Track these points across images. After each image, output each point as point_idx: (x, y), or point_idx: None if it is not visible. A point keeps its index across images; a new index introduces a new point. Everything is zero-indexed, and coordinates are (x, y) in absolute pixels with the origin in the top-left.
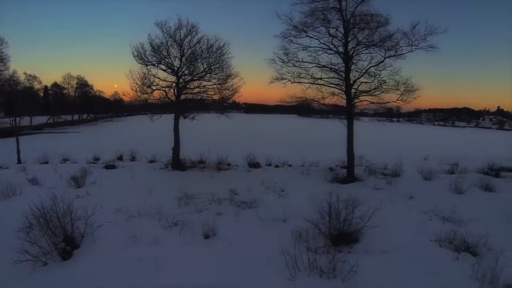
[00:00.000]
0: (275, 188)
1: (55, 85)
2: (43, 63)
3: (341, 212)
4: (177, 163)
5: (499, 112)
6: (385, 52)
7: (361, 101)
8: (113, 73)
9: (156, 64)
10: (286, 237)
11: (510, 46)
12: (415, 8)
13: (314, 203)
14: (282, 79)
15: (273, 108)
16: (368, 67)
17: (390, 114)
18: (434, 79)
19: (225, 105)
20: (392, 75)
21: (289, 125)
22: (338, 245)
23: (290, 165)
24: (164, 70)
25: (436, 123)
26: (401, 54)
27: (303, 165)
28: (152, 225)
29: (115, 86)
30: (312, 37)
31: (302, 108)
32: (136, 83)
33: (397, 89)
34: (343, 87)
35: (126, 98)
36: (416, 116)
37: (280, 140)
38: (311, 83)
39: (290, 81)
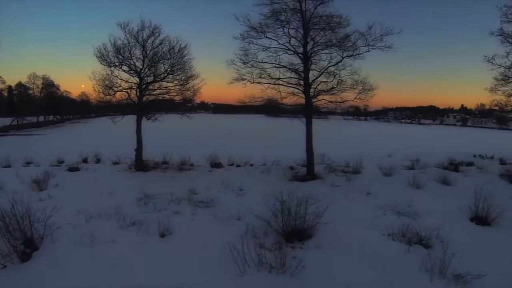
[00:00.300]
0: (234, 187)
1: (19, 85)
2: (8, 62)
3: (294, 209)
4: (140, 164)
5: (463, 110)
6: (343, 52)
7: (320, 100)
8: (81, 73)
9: (119, 65)
10: (239, 234)
11: (473, 47)
12: (376, 8)
13: (270, 201)
14: (242, 79)
15: (242, 108)
16: (327, 66)
17: (357, 113)
18: (401, 78)
19: (194, 106)
20: (351, 74)
21: (255, 125)
22: (291, 241)
23: (251, 165)
24: (127, 71)
25: (402, 121)
26: (359, 54)
27: (265, 164)
28: (110, 226)
29: (83, 86)
30: (271, 38)
31: (269, 108)
32: (99, 84)
33: (355, 88)
34: (302, 87)
35: (92, 99)
36: (383, 114)
37: (244, 140)
38: (271, 84)
39: (250, 81)
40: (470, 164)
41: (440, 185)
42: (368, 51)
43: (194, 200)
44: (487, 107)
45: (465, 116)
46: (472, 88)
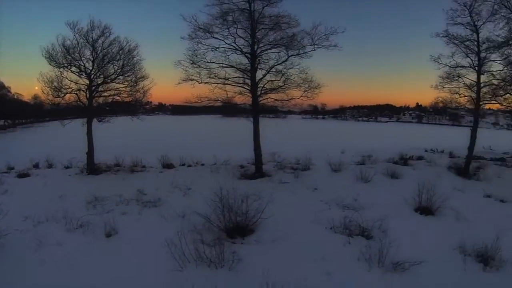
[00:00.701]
0: (182, 187)
1: None
2: None
3: (236, 206)
4: (91, 168)
5: (418, 107)
6: (288, 51)
7: (266, 98)
8: (35, 74)
9: (68, 66)
10: (182, 232)
11: (427, 46)
12: (328, 8)
13: (213, 200)
14: (191, 80)
15: (200, 109)
16: (273, 65)
17: (315, 112)
18: (359, 78)
19: (152, 107)
20: (300, 73)
21: (210, 126)
22: (233, 237)
23: (202, 164)
24: (76, 73)
25: (360, 119)
26: (305, 53)
27: (215, 164)
28: (58, 229)
29: (36, 88)
30: (218, 38)
31: (226, 109)
32: (47, 86)
33: (301, 86)
34: (248, 86)
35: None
36: (341, 113)
37: (197, 140)
38: (218, 84)
39: (198, 81)
40: (420, 158)
41: (388, 179)
42: (314, 50)
43: (142, 200)
44: (435, 104)
45: (420, 113)
46: (427, 87)
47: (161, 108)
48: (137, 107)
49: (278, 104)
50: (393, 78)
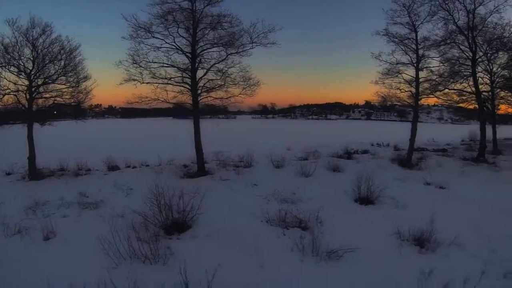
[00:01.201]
0: (124, 188)
1: None
2: None
3: (174, 203)
4: (33, 173)
5: (367, 105)
6: (227, 49)
7: (206, 97)
8: None
9: (6, 66)
10: (117, 230)
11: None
12: (274, 7)
13: (153, 198)
14: (133, 80)
15: (151, 111)
16: (212, 64)
17: (265, 111)
18: (309, 77)
19: (102, 110)
20: (241, 71)
21: (160, 128)
22: (172, 233)
23: (147, 165)
24: (15, 73)
25: (309, 117)
26: (244, 51)
27: (160, 164)
28: None
29: None
30: (158, 38)
31: (177, 110)
32: None
33: (240, 84)
34: (189, 85)
35: None
36: (290, 112)
37: (145, 142)
38: (160, 83)
39: (140, 82)
40: (365, 152)
41: (330, 172)
42: (252, 48)
43: (83, 202)
44: (375, 99)
45: (369, 110)
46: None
47: (111, 111)
48: (83, 110)
49: (218, 102)
50: (343, 77)
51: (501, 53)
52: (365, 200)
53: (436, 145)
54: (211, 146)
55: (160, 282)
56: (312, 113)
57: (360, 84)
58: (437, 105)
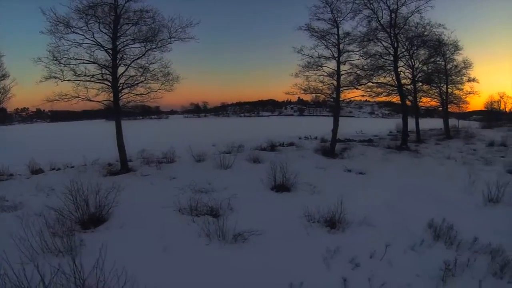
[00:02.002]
0: (46, 189)
1: None
2: None
3: (92, 198)
4: None
5: (300, 101)
6: (146, 45)
7: (128, 93)
8: None
9: None
10: (34, 227)
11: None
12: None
13: (71, 195)
14: (54, 77)
15: (83, 114)
16: (133, 60)
17: (197, 110)
18: (240, 75)
19: (29, 114)
20: (162, 68)
21: (89, 130)
22: (88, 227)
23: (72, 167)
24: None
25: (242, 114)
26: (163, 46)
27: (85, 164)
28: None
29: None
30: (78, 33)
31: (109, 112)
32: None
33: (159, 80)
34: (110, 82)
35: None
36: (223, 110)
37: (72, 144)
38: (81, 81)
39: (60, 79)
40: (291, 144)
41: (250, 163)
42: (171, 43)
43: (2, 206)
44: (291, 91)
45: (302, 107)
46: (296, 78)
47: (40, 115)
48: (8, 115)
49: (138, 99)
50: (276, 74)
51: (421, 50)
52: (281, 187)
53: (363, 137)
54: (139, 145)
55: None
56: (245, 110)
57: (293, 81)
58: (368, 101)
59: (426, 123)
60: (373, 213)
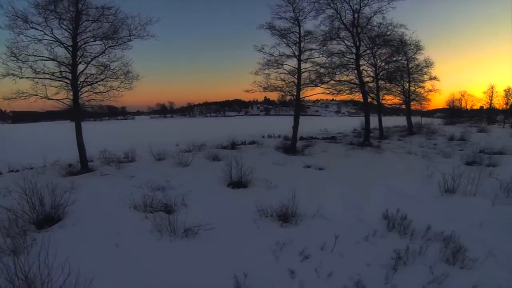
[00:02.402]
0: (2, 191)
1: None
2: None
3: (47, 199)
4: None
5: (266, 101)
6: (105, 42)
7: (87, 91)
8: None
9: None
10: None
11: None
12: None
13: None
14: (12, 75)
15: (46, 114)
16: (93, 57)
17: (164, 111)
18: (207, 75)
19: None
20: (123, 66)
21: (51, 132)
22: (43, 227)
23: (31, 168)
24: None
25: (208, 115)
26: (123, 43)
27: (45, 166)
28: None
29: None
30: (37, 29)
31: (72, 112)
32: None
33: (119, 78)
34: (69, 80)
35: None
36: (189, 110)
37: (33, 146)
38: (41, 78)
39: (19, 76)
40: (253, 142)
41: (209, 161)
42: (130, 40)
43: None
44: (251, 89)
45: (268, 106)
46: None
47: (1, 116)
48: None
49: (98, 97)
50: (242, 74)
51: (384, 49)
52: (237, 184)
53: (327, 134)
54: (102, 145)
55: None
56: (211, 110)
57: (254, 79)
58: (334, 100)
59: (392, 121)
60: (329, 206)
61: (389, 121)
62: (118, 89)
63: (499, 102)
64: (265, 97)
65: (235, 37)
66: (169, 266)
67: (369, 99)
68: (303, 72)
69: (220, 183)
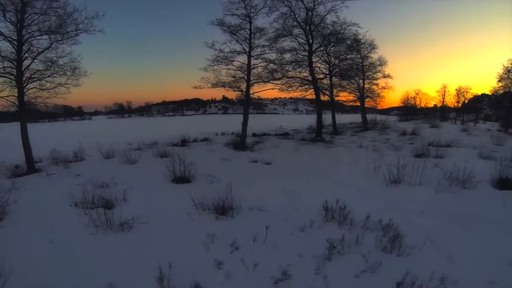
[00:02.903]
0: None
1: None
2: None
3: None
4: None
5: (225, 100)
6: (51, 37)
7: (33, 87)
8: None
9: None
10: None
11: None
12: None
13: None
14: None
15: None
16: (39, 52)
17: (121, 111)
18: (165, 74)
19: None
20: (72, 62)
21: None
22: None
23: None
24: None
25: (166, 114)
26: (70, 38)
27: None
28: None
29: None
30: None
31: (27, 113)
32: None
33: (67, 74)
34: (14, 77)
35: None
36: (147, 110)
37: None
38: None
39: None
40: (205, 139)
41: (157, 158)
42: (78, 35)
43: None
44: (199, 85)
45: (226, 105)
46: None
47: None
48: None
49: (45, 94)
50: (200, 72)
51: (338, 47)
52: (181, 179)
53: (281, 131)
54: (53, 145)
55: None
56: (169, 110)
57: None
58: (292, 98)
59: (349, 118)
60: (269, 199)
61: (346, 118)
62: (65, 85)
63: (451, 101)
64: (223, 95)
65: (195, 35)
66: (100, 259)
67: (324, 97)
68: (253, 68)
69: (164, 179)
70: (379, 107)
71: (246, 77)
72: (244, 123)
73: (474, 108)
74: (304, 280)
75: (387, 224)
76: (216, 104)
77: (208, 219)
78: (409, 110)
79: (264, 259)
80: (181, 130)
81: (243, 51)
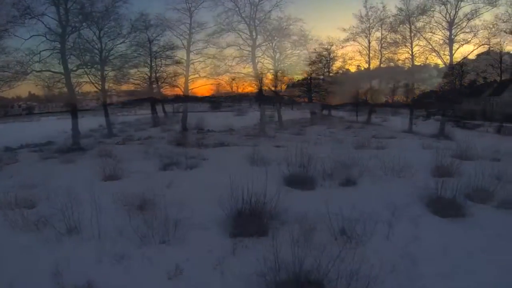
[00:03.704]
0: None
1: None
2: None
3: None
4: None
5: (31, 97)
6: None
7: None
8: None
9: None
10: None
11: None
12: None
13: None
14: None
15: None
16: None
17: None
18: None
19: None
20: None
21: None
22: None
23: None
24: None
25: None
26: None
27: None
28: None
29: None
30: None
31: None
32: None
33: None
34: None
35: None
36: None
37: None
38: None
39: None
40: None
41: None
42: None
43: None
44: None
45: (32, 103)
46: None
47: None
48: None
49: None
50: None
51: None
52: (111, 177)
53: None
54: None
55: None
56: None
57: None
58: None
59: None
60: (192, 192)
61: (300, 114)
62: None
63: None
64: (29, 91)
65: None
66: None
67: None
68: (194, 63)
69: (97, 177)
70: (332, 103)
71: (185, 73)
72: (183, 120)
73: (424, 103)
74: None
75: None
76: (20, 103)
77: (132, 214)
78: (361, 105)
79: None
80: None
81: (182, 46)
